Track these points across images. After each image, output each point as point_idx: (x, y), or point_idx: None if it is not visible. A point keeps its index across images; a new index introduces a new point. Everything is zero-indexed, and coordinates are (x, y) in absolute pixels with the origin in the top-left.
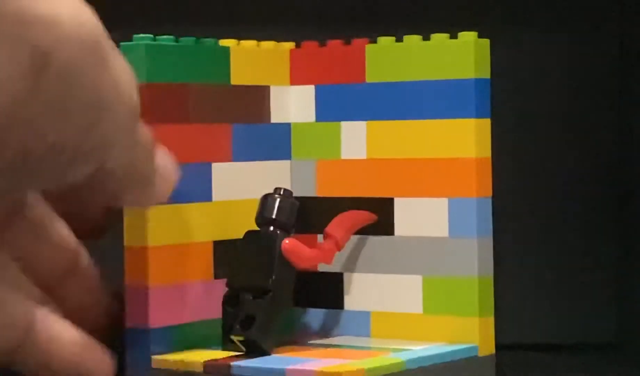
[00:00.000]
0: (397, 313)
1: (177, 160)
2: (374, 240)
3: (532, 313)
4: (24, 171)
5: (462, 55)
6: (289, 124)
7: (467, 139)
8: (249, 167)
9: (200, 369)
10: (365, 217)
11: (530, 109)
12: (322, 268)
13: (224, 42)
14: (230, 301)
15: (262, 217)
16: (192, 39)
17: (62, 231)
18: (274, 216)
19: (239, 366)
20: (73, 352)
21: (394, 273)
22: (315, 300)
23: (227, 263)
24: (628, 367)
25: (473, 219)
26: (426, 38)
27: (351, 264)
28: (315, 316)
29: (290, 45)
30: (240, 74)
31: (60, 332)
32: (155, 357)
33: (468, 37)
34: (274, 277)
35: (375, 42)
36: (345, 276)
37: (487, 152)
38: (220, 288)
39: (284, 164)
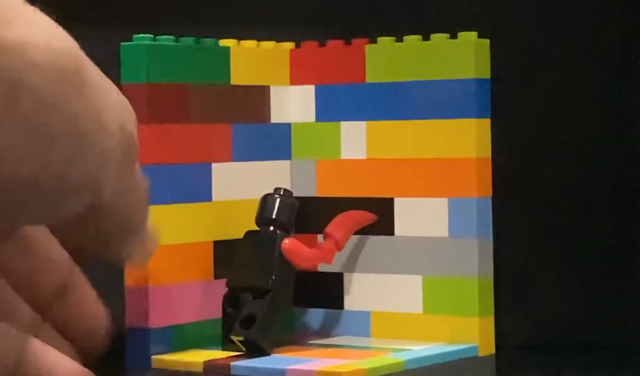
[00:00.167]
0: (397, 313)
1: (177, 160)
2: (374, 240)
3: (532, 313)
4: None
5: (462, 55)
6: (289, 124)
7: (467, 139)
8: (249, 167)
9: (200, 369)
10: (365, 217)
11: (530, 109)
12: (322, 268)
13: (224, 42)
14: (230, 301)
15: (262, 217)
16: (192, 39)
17: (56, 248)
18: (274, 216)
19: (239, 366)
20: None
21: (394, 273)
22: (315, 300)
23: (227, 263)
24: (629, 367)
25: (473, 219)
26: (426, 38)
27: (351, 264)
28: (315, 316)
29: (290, 45)
30: (240, 74)
31: (54, 363)
32: (155, 357)
33: (468, 37)
34: (274, 277)
35: (375, 42)
36: (345, 276)
37: (487, 152)
38: (220, 288)
39: (284, 164)
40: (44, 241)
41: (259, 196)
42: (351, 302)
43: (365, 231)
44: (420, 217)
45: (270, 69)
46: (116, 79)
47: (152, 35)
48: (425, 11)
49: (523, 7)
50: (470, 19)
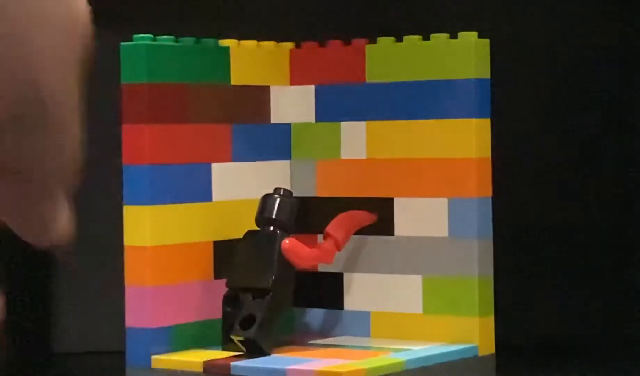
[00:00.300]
0: (397, 313)
1: (177, 160)
2: (374, 240)
3: (532, 313)
4: None
5: (462, 55)
6: (289, 124)
7: (467, 139)
8: (249, 167)
9: (200, 369)
10: (365, 217)
11: (530, 109)
12: (322, 268)
13: (224, 42)
14: (230, 301)
15: (262, 217)
16: (192, 39)
17: None
18: (274, 216)
19: (239, 366)
20: None
21: (394, 273)
22: (315, 300)
23: (227, 263)
24: (628, 367)
25: (473, 219)
26: (426, 38)
27: (351, 264)
28: (315, 316)
29: (290, 45)
30: (240, 74)
31: None
32: (155, 357)
33: (468, 37)
34: (274, 277)
35: (375, 42)
36: (345, 276)
37: (487, 152)
38: (220, 288)
39: (284, 164)
40: None
41: (259, 196)
42: (351, 302)
43: (365, 231)
44: (420, 217)
45: (270, 69)
46: (116, 79)
47: (152, 35)
48: (425, 11)
49: (523, 7)
50: (470, 19)
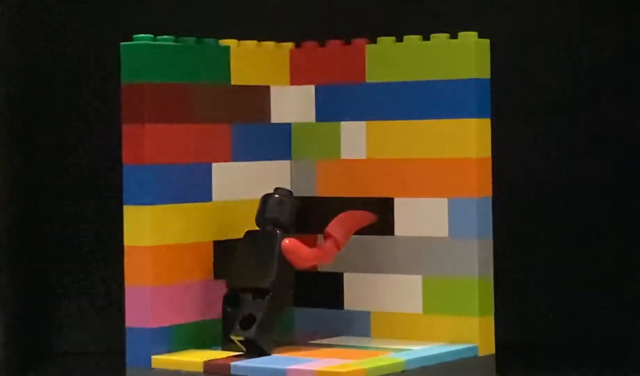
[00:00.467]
0: (397, 313)
1: (177, 160)
2: (374, 240)
3: (532, 313)
4: None
5: (462, 55)
6: (289, 124)
7: (467, 139)
8: (249, 167)
9: (200, 369)
10: (365, 217)
11: (530, 109)
12: (322, 268)
13: (224, 42)
14: (230, 301)
15: (262, 217)
16: (193, 39)
17: None
18: (274, 216)
19: (239, 366)
20: None
21: (394, 273)
22: (315, 300)
23: (227, 263)
24: (628, 367)
25: (473, 219)
26: (426, 38)
27: (351, 264)
28: (315, 316)
29: (290, 45)
30: (241, 74)
31: None
32: (155, 357)
33: (468, 37)
34: (274, 277)
35: (375, 42)
36: (345, 276)
37: (487, 152)
38: (220, 288)
39: (284, 164)
40: None
41: (259, 196)
42: (351, 302)
43: (365, 231)
44: (420, 217)
45: (271, 69)
46: (116, 79)
47: (152, 35)
48: (425, 11)
49: (523, 7)
50: (470, 19)
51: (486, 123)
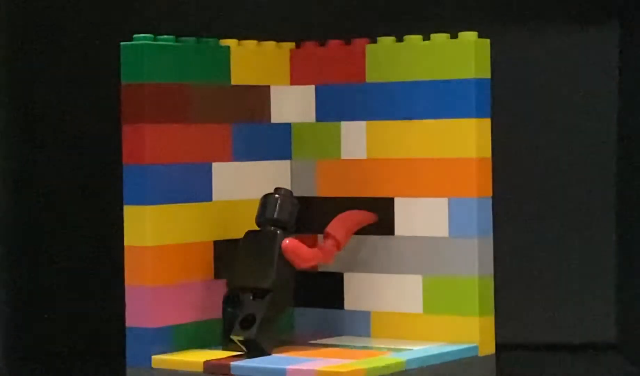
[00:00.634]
0: (397, 313)
1: (177, 160)
2: (374, 240)
3: (532, 313)
4: None
5: (462, 55)
6: (289, 124)
7: (467, 139)
8: (249, 167)
9: (200, 369)
10: (365, 217)
11: (530, 109)
12: (322, 268)
13: (224, 42)
14: (230, 301)
15: (263, 217)
16: (193, 38)
17: None
18: (274, 216)
19: (239, 366)
20: None
21: (394, 273)
22: (315, 300)
23: (227, 263)
24: (628, 367)
25: (473, 219)
26: (426, 38)
27: (351, 264)
28: (315, 316)
29: (290, 45)
30: (241, 73)
31: None
32: (155, 357)
33: (468, 37)
34: (274, 277)
35: (375, 42)
36: (345, 276)
37: (487, 152)
38: (220, 288)
39: (284, 164)
40: None
41: (259, 196)
42: (351, 302)
43: (365, 231)
44: (420, 217)
45: (271, 68)
46: (116, 79)
47: (152, 35)
48: (425, 11)
49: (523, 7)
50: (470, 19)
51: (486, 123)
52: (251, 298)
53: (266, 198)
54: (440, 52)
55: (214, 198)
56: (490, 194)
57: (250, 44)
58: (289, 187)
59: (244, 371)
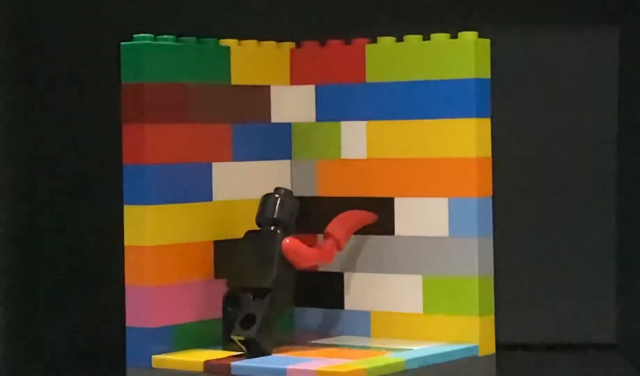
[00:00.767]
0: (397, 313)
1: (177, 160)
2: (374, 240)
3: (532, 313)
4: None
5: (462, 55)
6: (289, 124)
7: (468, 138)
8: (249, 167)
9: (200, 369)
10: (365, 217)
11: (530, 109)
12: (322, 267)
13: (224, 42)
14: (230, 301)
15: (263, 217)
16: (193, 38)
17: None
18: (274, 216)
19: (239, 366)
20: None
21: (394, 273)
22: (315, 300)
23: (227, 263)
24: (628, 367)
25: (473, 219)
26: (426, 38)
27: (351, 264)
28: (315, 316)
29: (290, 45)
30: (241, 73)
31: None
32: (155, 357)
33: (468, 37)
34: (274, 277)
35: (375, 42)
36: (346, 276)
37: (487, 152)
38: (220, 288)
39: (284, 164)
40: None
41: (259, 196)
42: (351, 302)
43: (365, 231)
44: (420, 217)
45: (271, 68)
46: (116, 79)
47: (152, 35)
48: (425, 11)
49: (523, 7)
50: (470, 19)
51: (486, 123)
52: (251, 298)
53: (266, 198)
54: (440, 52)
55: (214, 198)
56: (490, 194)
57: (250, 44)
58: (289, 187)
59: (244, 371)
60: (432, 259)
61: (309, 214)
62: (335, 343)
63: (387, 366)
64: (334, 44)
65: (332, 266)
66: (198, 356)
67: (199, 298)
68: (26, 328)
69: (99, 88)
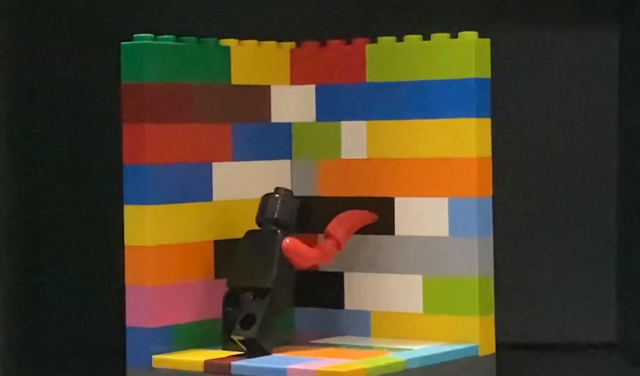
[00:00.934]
0: (397, 313)
1: (177, 160)
2: (374, 240)
3: (532, 313)
4: None
5: (462, 55)
6: (289, 124)
7: (468, 138)
8: (249, 167)
9: (200, 369)
10: (365, 217)
11: (530, 109)
12: (322, 267)
13: (224, 42)
14: (230, 301)
15: (263, 217)
16: (193, 38)
17: None
18: (274, 216)
19: (239, 366)
20: None
21: (394, 272)
22: (315, 300)
23: (227, 263)
24: (628, 367)
25: (473, 219)
26: (426, 38)
27: (351, 264)
28: (315, 316)
29: (290, 45)
30: (241, 73)
31: None
32: (155, 357)
33: (468, 37)
34: (274, 277)
35: (375, 42)
36: (346, 276)
37: (487, 152)
38: (220, 288)
39: (285, 164)
40: None
41: (259, 195)
42: (351, 302)
43: (365, 231)
44: (420, 217)
45: (271, 68)
46: (116, 79)
47: (152, 35)
48: (425, 11)
49: (523, 7)
50: (470, 19)
51: (486, 123)
52: (251, 297)
53: (266, 198)
54: (440, 52)
55: (214, 197)
56: (490, 194)
57: (250, 44)
58: (289, 187)
59: (244, 371)
60: (432, 259)
61: (309, 214)
62: (335, 343)
63: (387, 366)
64: (334, 44)
65: (332, 266)
66: (198, 356)
67: (199, 298)
68: (26, 328)
69: (99, 88)
